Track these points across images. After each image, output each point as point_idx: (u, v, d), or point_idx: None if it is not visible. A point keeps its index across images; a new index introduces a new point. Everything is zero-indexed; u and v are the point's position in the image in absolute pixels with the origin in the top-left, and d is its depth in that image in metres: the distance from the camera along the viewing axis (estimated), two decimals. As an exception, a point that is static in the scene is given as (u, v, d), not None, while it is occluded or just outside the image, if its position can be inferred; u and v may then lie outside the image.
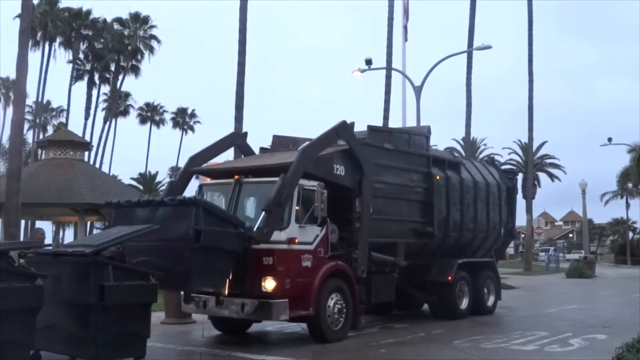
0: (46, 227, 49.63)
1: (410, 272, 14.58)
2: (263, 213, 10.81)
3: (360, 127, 13.63)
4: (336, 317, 11.85)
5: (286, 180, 10.95)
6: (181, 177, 13.33)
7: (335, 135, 12.22)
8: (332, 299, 11.76)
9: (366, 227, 12.55)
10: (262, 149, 14.63)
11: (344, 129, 12.39)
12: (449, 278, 15.01)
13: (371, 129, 14.14)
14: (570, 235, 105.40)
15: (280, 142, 14.35)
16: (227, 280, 10.69)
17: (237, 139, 14.22)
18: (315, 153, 11.77)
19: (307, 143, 11.71)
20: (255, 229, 10.64)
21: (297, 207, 11.40)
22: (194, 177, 13.55)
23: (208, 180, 13.18)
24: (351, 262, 12.37)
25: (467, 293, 15.62)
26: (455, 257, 15.52)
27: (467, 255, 16.08)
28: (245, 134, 14.31)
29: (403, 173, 14.31)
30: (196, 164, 13.30)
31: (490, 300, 16.58)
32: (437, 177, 14.89)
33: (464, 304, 15.54)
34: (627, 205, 72.64)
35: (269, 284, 10.97)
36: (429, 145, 15.43)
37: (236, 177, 12.13)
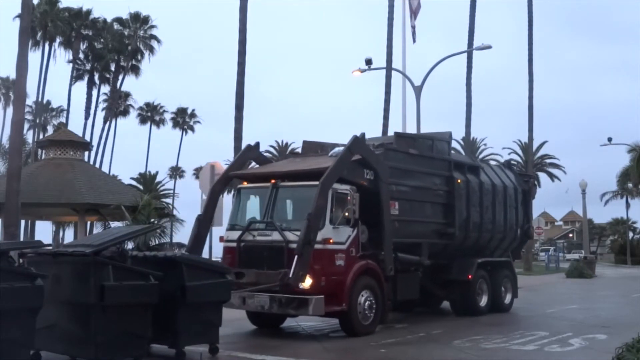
0: (46, 227, 49.73)
1: (432, 270, 15.08)
2: (295, 257, 11.41)
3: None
4: (366, 313, 12.46)
5: (312, 220, 11.60)
6: (220, 182, 14.08)
7: (349, 153, 12.75)
8: (362, 295, 12.42)
9: (388, 228, 13.09)
10: (293, 154, 15.48)
11: (355, 145, 12.88)
12: (469, 276, 15.56)
13: (397, 135, 15.11)
14: (570, 235, 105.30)
15: (310, 147, 15.14)
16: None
17: (250, 153, 14.63)
18: (334, 180, 12.29)
19: (326, 173, 12.10)
20: (291, 275, 11.30)
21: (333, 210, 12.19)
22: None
23: (245, 184, 13.67)
24: (380, 261, 12.95)
25: (486, 291, 16.16)
26: (474, 256, 16.01)
27: (485, 255, 16.61)
28: (258, 144, 14.80)
29: (427, 177, 14.90)
30: (225, 180, 14.06)
31: (508, 298, 17.09)
32: (459, 181, 15.48)
33: (484, 301, 16.07)
34: (627, 205, 72.71)
35: (306, 281, 11.56)
36: (450, 150, 16.16)
37: (272, 181, 12.75)
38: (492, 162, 37.40)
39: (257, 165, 14.78)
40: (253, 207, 13.26)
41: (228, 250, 12.86)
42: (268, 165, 14.65)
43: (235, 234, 12.70)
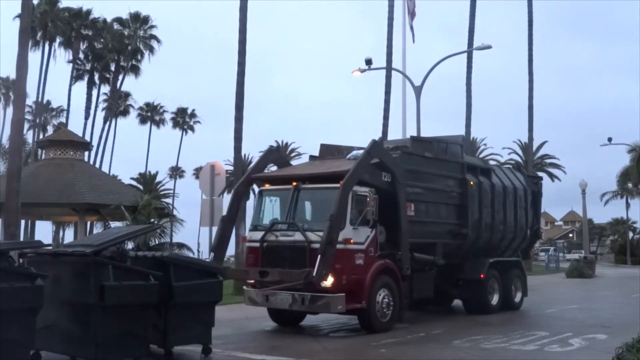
0: (46, 227, 49.71)
1: (445, 270, 15.33)
2: (319, 256, 11.71)
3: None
4: (384, 310, 12.92)
5: (334, 221, 11.92)
6: (243, 184, 14.54)
7: (368, 156, 13.11)
8: (381, 293, 12.88)
9: (405, 228, 13.46)
10: (312, 157, 15.95)
11: (375, 149, 13.27)
12: (481, 276, 15.98)
13: (413, 139, 15.87)
14: (570, 235, 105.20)
15: (327, 150, 15.62)
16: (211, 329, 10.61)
17: (271, 156, 15.11)
18: (355, 182, 12.64)
19: (347, 176, 12.42)
20: (314, 274, 11.62)
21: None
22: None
23: (267, 186, 14.00)
24: (397, 261, 13.37)
25: (497, 290, 16.60)
26: (486, 256, 16.42)
27: (496, 254, 17.01)
28: (278, 147, 15.38)
29: (441, 179, 15.29)
30: (248, 182, 14.49)
31: (518, 297, 17.52)
32: (471, 183, 15.88)
33: (495, 299, 16.50)
34: (627, 205, 72.42)
35: (329, 280, 11.95)
36: (463, 153, 16.49)
37: (294, 183, 13.16)
38: (492, 162, 37.46)
39: (277, 168, 15.15)
40: (275, 209, 13.69)
41: (251, 250, 13.32)
42: (289, 168, 15.14)
43: (258, 235, 13.17)
